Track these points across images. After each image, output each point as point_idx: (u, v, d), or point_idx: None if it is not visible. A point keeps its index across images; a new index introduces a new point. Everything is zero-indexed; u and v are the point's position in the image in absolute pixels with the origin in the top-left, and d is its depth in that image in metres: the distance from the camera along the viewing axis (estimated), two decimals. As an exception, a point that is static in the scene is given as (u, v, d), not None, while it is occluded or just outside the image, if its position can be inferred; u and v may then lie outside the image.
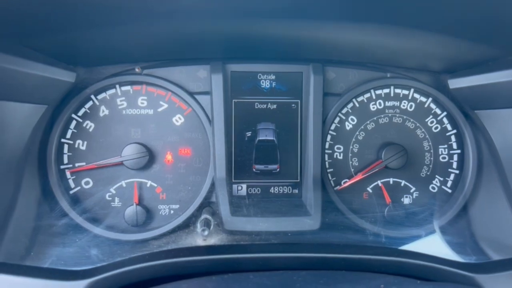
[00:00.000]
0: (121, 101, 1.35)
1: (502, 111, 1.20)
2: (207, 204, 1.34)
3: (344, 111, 1.40)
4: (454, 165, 1.42)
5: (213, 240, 1.19)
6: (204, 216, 1.22)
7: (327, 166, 1.39)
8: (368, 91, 1.40)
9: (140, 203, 1.33)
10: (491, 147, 1.29)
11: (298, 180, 1.39)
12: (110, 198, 1.34)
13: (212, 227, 1.21)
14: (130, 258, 1.03)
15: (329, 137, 1.40)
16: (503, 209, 1.25)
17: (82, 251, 1.18)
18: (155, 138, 1.36)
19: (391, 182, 1.41)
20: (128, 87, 1.35)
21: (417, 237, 1.33)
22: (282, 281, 0.85)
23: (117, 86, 1.34)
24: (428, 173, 1.42)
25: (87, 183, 1.34)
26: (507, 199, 1.24)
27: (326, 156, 1.40)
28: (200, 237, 1.21)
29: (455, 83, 1.31)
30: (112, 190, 1.34)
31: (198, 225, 1.21)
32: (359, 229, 1.35)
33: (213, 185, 1.33)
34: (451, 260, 1.07)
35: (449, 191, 1.42)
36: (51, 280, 0.98)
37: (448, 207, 1.39)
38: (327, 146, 1.40)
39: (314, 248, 1.03)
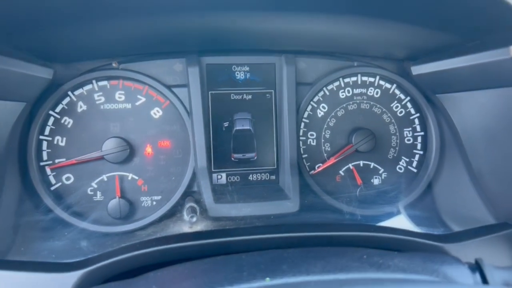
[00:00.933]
0: (98, 96, 1.36)
1: (462, 94, 1.30)
2: (189, 193, 1.38)
3: (315, 99, 1.47)
4: (419, 146, 1.52)
5: (199, 227, 1.23)
6: (190, 204, 1.26)
7: (301, 152, 1.46)
8: (337, 79, 1.48)
9: (122, 196, 1.36)
10: (452, 128, 1.39)
11: (275, 167, 1.46)
12: (92, 193, 1.36)
13: (198, 214, 1.25)
14: (122, 247, 1.06)
15: (302, 124, 1.46)
16: (465, 185, 1.36)
17: (72, 244, 1.20)
18: (134, 131, 1.38)
19: (361, 165, 1.50)
20: (105, 82, 1.36)
21: (388, 215, 1.43)
22: (273, 258, 0.90)
23: (94, 81, 1.35)
24: (395, 155, 1.52)
25: (68, 178, 1.35)
26: (468, 175, 1.35)
27: (301, 142, 1.46)
28: (186, 225, 1.25)
29: (417, 70, 1.40)
30: (94, 184, 1.36)
31: (185, 213, 1.25)
32: (335, 210, 1.43)
33: (194, 175, 1.37)
34: (423, 233, 1.17)
35: (415, 170, 1.52)
36: (46, 273, 1.00)
37: (415, 185, 1.50)
38: (301, 133, 1.46)
39: (298, 228, 1.09)
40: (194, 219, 1.19)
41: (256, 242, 1.05)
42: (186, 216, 1.22)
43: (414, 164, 1.52)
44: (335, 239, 1.10)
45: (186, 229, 1.24)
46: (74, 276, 1.00)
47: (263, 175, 1.45)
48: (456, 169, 1.41)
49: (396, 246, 1.12)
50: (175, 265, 0.94)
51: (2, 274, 0.99)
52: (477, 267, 0.92)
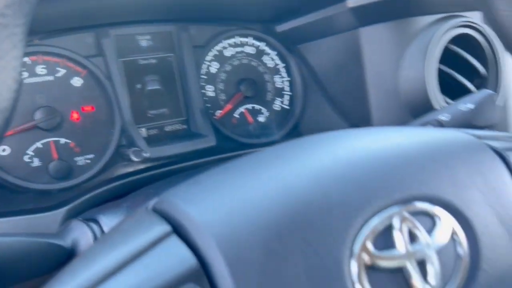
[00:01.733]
0: (21, 72, 1.47)
1: (316, 42, 1.78)
2: (120, 147, 1.59)
3: (208, 58, 1.80)
4: (287, 88, 1.97)
5: (142, 167, 1.47)
6: (133, 148, 1.48)
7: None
8: (221, 41, 1.83)
9: (59, 158, 1.50)
10: (310, 69, 1.87)
11: (186, 118, 1.75)
12: (30, 160, 1.47)
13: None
14: (98, 183, 1.26)
15: (202, 80, 1.79)
16: (324, 107, 1.86)
17: (40, 195, 1.33)
18: (60, 100, 1.53)
19: (250, 108, 1.89)
20: (26, 59, 1.48)
21: (279, 140, 1.86)
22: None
23: (14, 58, 1.46)
24: (272, 97, 1.94)
25: (4, 150, 1.44)
26: (326, 99, 1.85)
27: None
28: (130, 167, 1.47)
29: (281, 28, 1.83)
30: (30, 152, 1.47)
31: (132, 155, 1.47)
32: (241, 142, 1.79)
33: (121, 131, 1.58)
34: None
35: (288, 107, 1.97)
36: (33, 215, 1.16)
37: (289, 117, 1.95)
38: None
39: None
40: (148, 154, 1.43)
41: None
42: (134, 157, 1.45)
43: (286, 102, 1.97)
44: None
45: (131, 170, 1.47)
46: (61, 212, 1.19)
47: (176, 126, 1.74)
48: (319, 101, 1.90)
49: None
50: (156, 183, 1.20)
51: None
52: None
